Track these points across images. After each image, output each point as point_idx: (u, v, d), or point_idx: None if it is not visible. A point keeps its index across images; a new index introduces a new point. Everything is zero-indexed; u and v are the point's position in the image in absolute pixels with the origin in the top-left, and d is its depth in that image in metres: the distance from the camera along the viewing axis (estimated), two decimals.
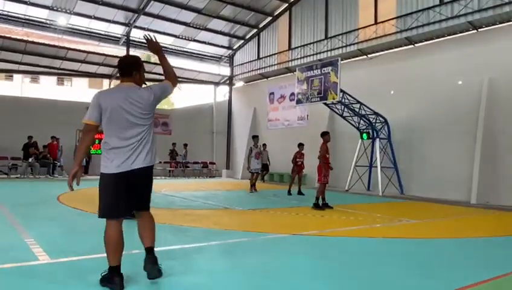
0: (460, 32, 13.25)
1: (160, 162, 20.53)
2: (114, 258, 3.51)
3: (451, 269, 4.44)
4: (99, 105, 3.49)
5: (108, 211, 3.56)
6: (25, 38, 18.98)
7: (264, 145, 17.63)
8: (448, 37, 13.58)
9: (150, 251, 3.68)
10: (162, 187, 14.00)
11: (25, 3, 16.63)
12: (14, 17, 17.29)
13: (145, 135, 3.55)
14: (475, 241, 6.29)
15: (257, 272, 4.06)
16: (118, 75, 3.67)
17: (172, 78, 3.77)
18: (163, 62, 3.79)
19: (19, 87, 31.17)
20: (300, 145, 13.37)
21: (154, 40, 3.84)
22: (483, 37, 12.62)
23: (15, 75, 30.03)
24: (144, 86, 3.67)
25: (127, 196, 3.51)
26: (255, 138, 13.84)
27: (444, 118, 13.10)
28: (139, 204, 3.69)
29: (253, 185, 13.29)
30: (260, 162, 13.75)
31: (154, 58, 28.74)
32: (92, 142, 3.80)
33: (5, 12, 16.99)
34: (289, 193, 12.74)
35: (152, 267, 3.55)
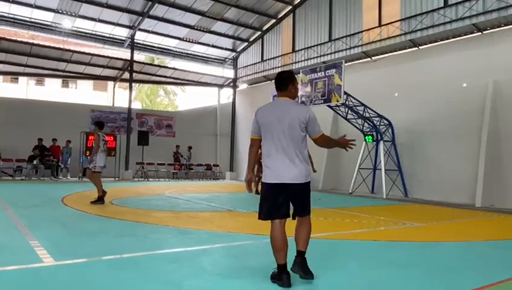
0: (465, 35, 13.20)
1: (163, 164, 20.61)
2: (279, 256, 3.70)
3: (455, 273, 4.41)
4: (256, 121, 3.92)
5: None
6: (31, 41, 19.12)
7: None
8: (452, 40, 13.54)
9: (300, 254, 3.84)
10: (165, 189, 14.03)
11: (31, 6, 16.78)
12: (20, 20, 17.44)
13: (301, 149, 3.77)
14: (480, 244, 6.25)
15: (261, 275, 4.05)
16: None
17: (323, 143, 4.01)
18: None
19: (24, 89, 31.35)
20: None
21: None
22: (488, 39, 12.57)
23: (20, 78, 30.22)
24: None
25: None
26: None
27: (448, 121, 13.05)
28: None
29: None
30: None
31: (158, 61, 28.92)
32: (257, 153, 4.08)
33: (11, 15, 17.15)
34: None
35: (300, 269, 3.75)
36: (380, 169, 13.75)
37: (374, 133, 14.07)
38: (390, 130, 14.25)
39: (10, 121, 17.30)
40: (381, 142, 13.93)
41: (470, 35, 13.09)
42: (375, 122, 14.04)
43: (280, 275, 3.66)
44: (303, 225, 3.92)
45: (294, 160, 3.68)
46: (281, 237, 3.70)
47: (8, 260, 4.30)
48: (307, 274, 3.71)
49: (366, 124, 14.21)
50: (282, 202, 3.70)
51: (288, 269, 3.71)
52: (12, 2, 16.45)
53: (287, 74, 3.95)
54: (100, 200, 9.12)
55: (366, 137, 14.26)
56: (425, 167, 13.52)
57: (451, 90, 13.04)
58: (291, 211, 3.80)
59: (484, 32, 12.73)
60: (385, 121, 14.15)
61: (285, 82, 3.87)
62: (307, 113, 3.71)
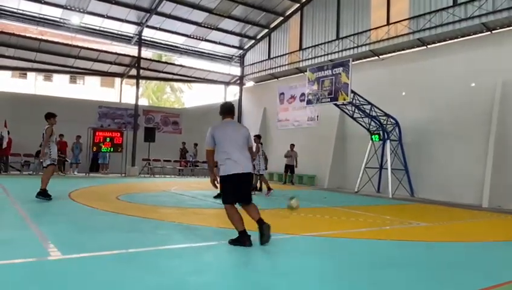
0: (474, 34, 13.09)
1: (170, 161, 20.68)
2: (240, 225, 5.14)
3: (462, 273, 4.39)
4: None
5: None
6: (39, 36, 19.25)
7: (292, 145, 17.53)
8: (461, 39, 13.44)
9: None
10: (171, 186, 14.09)
11: (40, 2, 16.90)
12: (29, 16, 17.56)
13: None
14: (487, 245, 6.22)
15: (266, 271, 4.07)
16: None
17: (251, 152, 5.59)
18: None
19: (33, 85, 31.60)
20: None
21: None
22: (497, 38, 12.46)
23: (29, 73, 30.48)
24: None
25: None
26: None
27: (456, 121, 12.96)
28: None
29: (268, 187, 12.58)
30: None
31: (165, 58, 29.00)
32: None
33: (20, 11, 17.27)
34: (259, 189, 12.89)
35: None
36: (386, 168, 13.70)
37: (381, 132, 14.01)
38: (397, 129, 14.19)
39: (18, 116, 17.44)
40: (388, 141, 13.87)
41: (479, 35, 12.98)
42: (382, 121, 13.98)
43: (243, 239, 5.06)
44: (250, 206, 5.29)
45: (241, 158, 5.20)
46: (238, 212, 5.20)
47: (16, 253, 4.35)
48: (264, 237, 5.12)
49: (372, 123, 14.15)
50: (237, 186, 5.18)
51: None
52: None
53: (232, 104, 5.67)
54: (42, 194, 8.50)
55: (373, 136, 14.21)
56: (432, 167, 13.45)
57: (459, 89, 12.95)
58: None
59: (493, 31, 12.62)
60: (392, 120, 14.09)
61: (233, 109, 5.53)
62: (247, 131, 5.50)
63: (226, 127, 5.30)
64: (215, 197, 10.51)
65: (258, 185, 12.97)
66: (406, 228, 7.31)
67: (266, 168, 13.54)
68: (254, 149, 13.20)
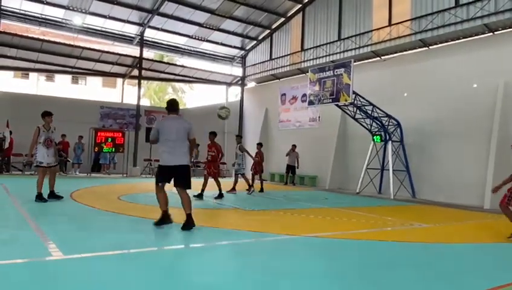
0: (476, 35, 13.06)
1: None
2: (164, 205, 6.10)
3: (463, 274, 4.39)
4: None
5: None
6: (41, 37, 19.28)
7: (294, 146, 17.58)
8: (463, 40, 13.41)
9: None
10: (172, 186, 14.06)
11: (42, 2, 16.92)
12: (31, 16, 17.59)
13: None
14: (489, 246, 6.20)
15: (267, 272, 4.06)
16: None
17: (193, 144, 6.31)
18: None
19: (35, 85, 31.66)
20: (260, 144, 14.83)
21: None
22: (499, 40, 12.43)
23: (31, 74, 30.52)
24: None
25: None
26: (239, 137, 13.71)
27: (458, 122, 12.93)
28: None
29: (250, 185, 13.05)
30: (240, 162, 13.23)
31: (167, 58, 29.03)
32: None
33: (23, 12, 17.30)
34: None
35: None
36: (388, 169, 13.68)
37: (382, 133, 13.99)
38: (398, 130, 14.16)
39: (20, 117, 17.44)
40: (390, 142, 13.85)
41: (481, 36, 12.95)
42: (383, 122, 13.96)
43: (165, 219, 6.04)
44: (183, 195, 6.10)
45: (179, 151, 6.00)
46: (165, 195, 6.19)
47: (18, 253, 4.36)
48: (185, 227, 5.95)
49: (374, 124, 14.13)
50: (167, 174, 6.08)
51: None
52: None
53: (176, 101, 6.35)
54: (38, 197, 8.31)
55: (375, 137, 14.19)
56: (434, 168, 13.42)
57: (461, 91, 12.92)
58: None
59: (495, 32, 12.59)
60: (394, 121, 14.06)
61: (176, 106, 6.21)
62: (189, 125, 6.14)
63: (169, 122, 6.05)
64: (216, 197, 10.53)
65: (248, 183, 13.10)
66: (407, 229, 7.30)
67: (263, 170, 14.11)
68: (253, 154, 13.87)
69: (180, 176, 6.03)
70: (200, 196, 10.25)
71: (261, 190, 13.66)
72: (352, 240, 6.12)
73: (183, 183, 6.08)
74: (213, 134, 11.14)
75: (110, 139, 18.05)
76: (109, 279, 3.62)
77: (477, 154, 12.31)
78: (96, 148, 17.86)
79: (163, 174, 6.04)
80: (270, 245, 5.51)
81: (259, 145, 14.82)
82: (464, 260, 5.15)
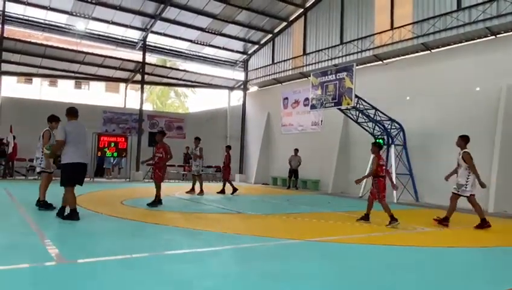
0: (478, 38, 13.05)
1: (174, 166, 20.69)
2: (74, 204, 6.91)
3: (467, 279, 4.36)
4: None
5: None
6: (45, 42, 19.39)
7: (296, 150, 17.62)
8: (465, 43, 13.39)
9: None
10: (175, 190, 14.10)
11: (45, 8, 17.04)
12: (35, 22, 17.72)
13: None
14: (493, 250, 6.16)
15: (269, 277, 4.05)
16: None
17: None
18: None
19: (38, 90, 31.80)
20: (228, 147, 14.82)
21: None
22: (501, 43, 12.42)
23: (34, 79, 30.66)
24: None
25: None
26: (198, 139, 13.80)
27: (460, 125, 12.87)
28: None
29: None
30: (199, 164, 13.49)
31: (170, 63, 29.12)
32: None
33: (26, 17, 17.43)
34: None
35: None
36: (391, 173, 13.62)
37: (385, 137, 13.96)
38: (401, 134, 14.14)
39: (24, 121, 17.53)
40: (392, 146, 13.82)
41: (484, 39, 12.94)
42: (386, 125, 13.94)
43: (74, 214, 6.79)
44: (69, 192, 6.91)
45: (85, 152, 7.04)
46: (74, 194, 6.94)
47: (21, 258, 4.36)
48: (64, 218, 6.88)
49: (377, 128, 14.11)
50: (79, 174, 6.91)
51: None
52: (27, 4, 16.72)
53: (76, 109, 7.21)
54: (42, 205, 8.09)
55: (377, 140, 14.15)
56: (437, 172, 13.32)
57: (464, 94, 12.90)
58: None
59: (498, 35, 12.58)
60: (396, 125, 14.04)
61: (75, 112, 7.13)
62: (85, 130, 7.18)
63: (74, 126, 6.97)
64: (149, 204, 9.35)
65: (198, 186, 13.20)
66: (410, 234, 7.27)
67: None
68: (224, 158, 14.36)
69: (84, 172, 7.03)
70: (154, 203, 9.33)
71: (222, 192, 13.79)
72: (355, 244, 6.10)
73: (82, 180, 7.06)
74: (161, 133, 10.13)
75: (113, 144, 18.09)
76: (112, 284, 3.61)
77: (481, 157, 12.22)
78: (99, 152, 17.90)
79: (75, 173, 6.79)
80: (273, 250, 5.50)
81: (228, 147, 14.83)
82: (468, 264, 5.11)
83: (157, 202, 9.41)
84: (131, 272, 4.02)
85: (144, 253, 4.83)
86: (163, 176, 9.86)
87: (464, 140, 8.71)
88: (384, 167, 8.58)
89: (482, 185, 8.10)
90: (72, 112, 7.11)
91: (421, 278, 4.30)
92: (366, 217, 8.25)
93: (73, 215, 6.80)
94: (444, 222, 8.17)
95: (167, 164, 10.06)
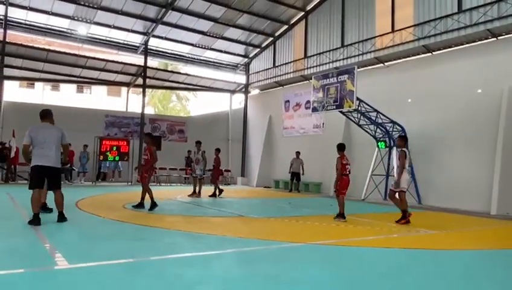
0: (480, 40, 13.05)
1: (175, 169, 20.71)
2: (37, 208, 6.71)
3: (471, 282, 4.34)
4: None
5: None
6: (47, 47, 19.48)
7: (298, 153, 17.65)
8: (466, 45, 13.39)
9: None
10: (177, 194, 14.10)
11: (47, 13, 17.12)
12: (37, 26, 17.80)
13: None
14: (496, 253, 6.14)
15: (271, 281, 4.04)
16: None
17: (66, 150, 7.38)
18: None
19: (40, 94, 31.89)
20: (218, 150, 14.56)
21: None
22: (503, 45, 12.41)
23: (36, 83, 30.76)
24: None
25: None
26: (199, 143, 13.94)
27: (462, 127, 12.88)
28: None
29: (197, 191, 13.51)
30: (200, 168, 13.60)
31: (171, 67, 29.20)
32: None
33: (28, 22, 17.51)
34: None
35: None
36: (393, 175, 13.60)
37: (387, 139, 13.95)
38: None
39: (26, 126, 17.39)
40: (394, 148, 13.80)
41: (485, 41, 12.94)
42: (387, 128, 13.93)
43: (35, 219, 6.54)
44: (56, 194, 6.97)
45: (52, 155, 6.78)
46: (39, 198, 6.84)
47: (23, 262, 4.36)
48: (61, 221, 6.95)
49: (378, 130, 14.10)
50: (42, 177, 6.84)
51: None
52: (29, 9, 16.81)
53: (49, 111, 7.18)
54: (42, 208, 7.79)
55: (379, 143, 14.15)
56: (439, 174, 13.34)
57: (465, 96, 12.89)
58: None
59: (499, 37, 12.57)
60: (398, 127, 14.03)
61: (47, 114, 7.08)
62: (59, 133, 6.99)
63: (41, 129, 6.86)
64: (134, 206, 9.44)
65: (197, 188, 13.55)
66: (413, 236, 7.25)
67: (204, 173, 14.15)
68: (214, 161, 14.10)
69: (53, 175, 6.90)
70: (140, 206, 9.30)
71: (213, 195, 13.76)
72: (358, 247, 6.08)
73: (55, 185, 6.97)
74: (148, 136, 10.17)
75: (115, 148, 18.11)
76: (114, 288, 3.61)
77: (483, 159, 12.24)
78: (101, 156, 17.92)
79: (39, 176, 6.77)
80: (276, 253, 5.49)
81: (217, 150, 14.66)
82: (471, 267, 5.09)
83: (145, 204, 9.29)
84: (133, 276, 4.02)
85: (146, 257, 4.83)
86: (149, 178, 9.78)
87: (402, 140, 9.22)
88: (347, 166, 9.55)
89: (396, 184, 8.70)
90: (42, 114, 7.03)
91: (426, 281, 4.28)
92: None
93: (34, 221, 6.48)
94: (402, 220, 8.41)
95: (170, 166, 10.33)
